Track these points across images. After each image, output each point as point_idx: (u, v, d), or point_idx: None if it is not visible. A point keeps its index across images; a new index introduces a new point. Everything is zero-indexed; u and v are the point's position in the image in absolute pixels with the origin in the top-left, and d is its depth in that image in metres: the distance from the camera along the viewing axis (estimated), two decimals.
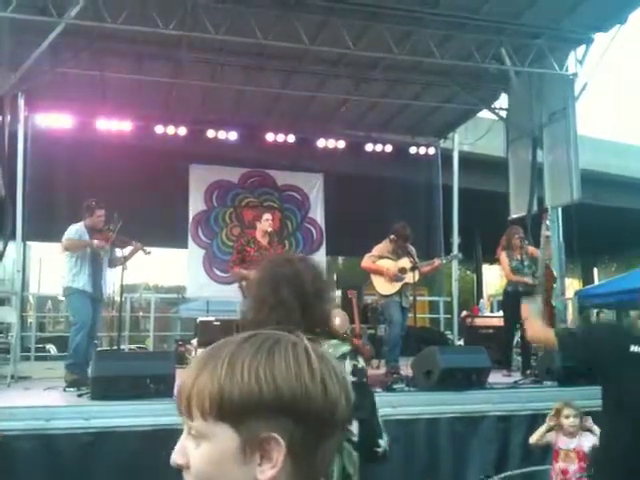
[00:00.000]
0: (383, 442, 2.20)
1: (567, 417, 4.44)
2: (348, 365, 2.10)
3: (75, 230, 6.84)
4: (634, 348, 3.07)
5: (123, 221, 6.81)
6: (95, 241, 6.78)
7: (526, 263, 7.53)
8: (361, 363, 2.19)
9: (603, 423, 3.51)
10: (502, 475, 5.28)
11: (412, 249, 7.57)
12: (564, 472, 4.45)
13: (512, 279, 7.55)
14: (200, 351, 9.06)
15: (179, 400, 0.90)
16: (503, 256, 7.63)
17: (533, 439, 4.66)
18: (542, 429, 4.56)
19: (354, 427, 2.09)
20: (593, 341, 3.26)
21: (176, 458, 0.90)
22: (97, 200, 7.03)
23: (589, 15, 8.01)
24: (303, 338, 0.93)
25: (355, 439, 2.09)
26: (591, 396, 5.86)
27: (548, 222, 7.50)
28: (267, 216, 7.62)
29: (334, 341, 2.19)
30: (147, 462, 4.66)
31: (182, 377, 0.92)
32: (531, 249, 7.70)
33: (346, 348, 2.19)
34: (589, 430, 4.46)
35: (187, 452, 0.89)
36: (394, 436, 4.49)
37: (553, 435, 4.54)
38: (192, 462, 0.88)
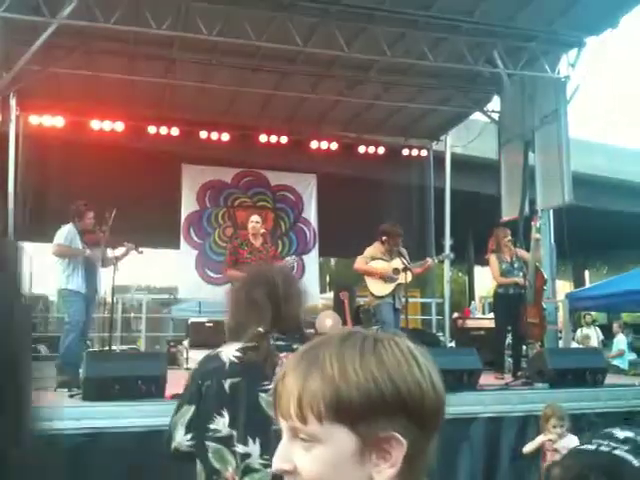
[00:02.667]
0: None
1: (554, 427, 4.53)
2: None
3: (66, 233, 6.79)
4: None
5: (115, 221, 6.79)
6: (87, 250, 6.75)
7: (516, 265, 7.54)
8: None
9: None
10: None
11: (404, 250, 7.59)
12: None
13: (500, 282, 7.57)
14: (192, 352, 9.08)
15: (284, 407, 0.87)
16: (493, 259, 7.64)
17: (527, 449, 4.73)
18: (537, 441, 4.64)
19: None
20: None
21: (280, 465, 0.87)
22: (86, 202, 7.00)
23: (581, 18, 8.05)
24: (401, 335, 0.92)
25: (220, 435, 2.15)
26: (581, 398, 5.92)
27: (539, 224, 7.54)
28: (254, 217, 7.60)
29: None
30: (139, 463, 4.66)
31: (280, 384, 0.89)
32: (521, 252, 7.72)
33: None
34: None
35: (292, 457, 0.86)
36: None
37: (542, 437, 4.62)
38: (303, 467, 0.85)
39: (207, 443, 2.17)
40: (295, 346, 2.18)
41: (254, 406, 2.14)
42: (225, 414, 2.16)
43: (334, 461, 0.84)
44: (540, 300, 7.58)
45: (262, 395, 2.14)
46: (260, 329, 2.21)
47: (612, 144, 19.40)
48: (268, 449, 2.06)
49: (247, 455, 2.13)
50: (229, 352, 2.25)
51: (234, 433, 2.15)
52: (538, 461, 4.79)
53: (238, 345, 2.24)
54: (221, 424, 2.16)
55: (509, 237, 7.70)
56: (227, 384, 2.20)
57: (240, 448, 2.14)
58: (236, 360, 2.22)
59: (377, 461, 0.84)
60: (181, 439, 2.22)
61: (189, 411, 2.22)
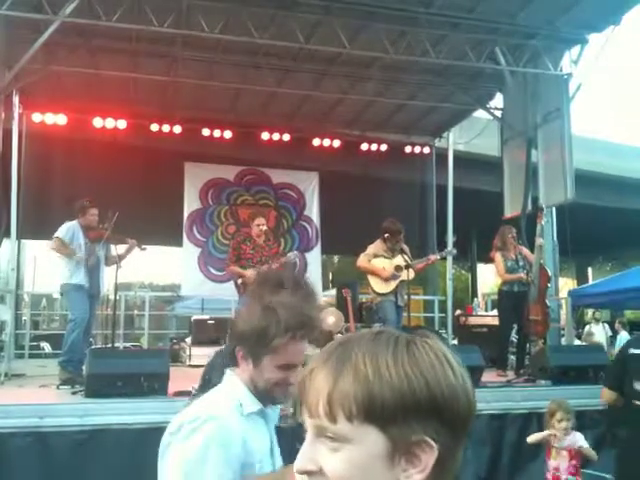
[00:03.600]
0: None
1: (559, 421, 4.51)
2: None
3: (67, 229, 6.82)
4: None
5: (118, 219, 6.81)
6: (79, 255, 6.75)
7: (521, 263, 7.56)
8: None
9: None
10: None
11: (406, 247, 7.59)
12: (556, 469, 4.51)
13: (506, 279, 7.58)
14: (195, 349, 9.09)
15: (311, 404, 0.84)
16: (498, 256, 7.65)
17: (531, 439, 4.73)
18: (543, 434, 4.63)
19: None
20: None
21: (304, 464, 0.84)
22: (90, 199, 7.03)
23: (584, 16, 8.04)
24: (433, 336, 0.89)
25: None
26: (584, 395, 5.92)
27: (543, 222, 7.54)
28: (259, 221, 7.62)
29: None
30: (141, 460, 4.66)
31: (307, 380, 0.86)
32: (524, 250, 7.73)
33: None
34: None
35: (318, 458, 0.83)
36: None
37: (548, 432, 4.61)
38: (329, 467, 0.82)
39: None
40: None
41: None
42: None
43: (362, 463, 0.81)
44: (544, 298, 7.58)
45: None
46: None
47: (614, 141, 19.35)
48: None
49: None
50: None
51: None
52: (542, 458, 4.80)
53: None
54: None
55: (514, 235, 7.71)
56: None
57: None
58: None
59: (406, 465, 0.81)
60: None
61: None
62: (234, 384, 1.75)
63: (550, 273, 7.89)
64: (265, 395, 1.73)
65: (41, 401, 5.28)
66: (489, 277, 30.29)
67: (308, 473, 0.83)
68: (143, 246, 7.28)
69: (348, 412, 0.81)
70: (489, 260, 8.13)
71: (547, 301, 7.68)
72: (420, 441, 0.80)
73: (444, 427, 0.81)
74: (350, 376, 0.81)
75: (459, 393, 0.82)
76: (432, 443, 0.80)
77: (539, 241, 7.36)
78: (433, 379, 0.81)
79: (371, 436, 0.80)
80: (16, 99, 9.10)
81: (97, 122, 10.05)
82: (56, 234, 6.81)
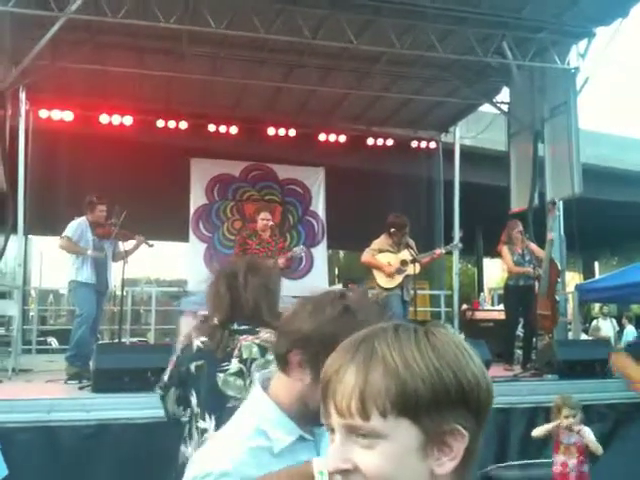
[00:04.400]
0: None
1: (567, 417, 4.51)
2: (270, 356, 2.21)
3: (77, 226, 6.85)
4: None
5: (125, 216, 6.83)
6: (89, 251, 6.78)
7: (527, 258, 7.55)
8: None
9: None
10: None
11: (411, 242, 7.59)
12: (564, 465, 4.51)
13: (514, 271, 7.57)
14: None
15: (341, 403, 0.84)
16: (505, 250, 7.66)
17: (536, 432, 4.72)
18: (548, 426, 4.63)
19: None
20: None
21: (338, 465, 0.84)
22: (99, 195, 7.05)
23: (591, 9, 7.99)
24: (445, 325, 0.93)
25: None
26: (590, 389, 5.92)
27: (555, 215, 7.53)
28: (263, 215, 7.63)
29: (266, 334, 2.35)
30: (147, 454, 4.70)
31: (333, 379, 0.85)
32: (532, 246, 7.72)
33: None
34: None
35: (351, 456, 0.83)
36: None
37: (552, 425, 4.60)
38: (366, 465, 0.82)
39: (183, 420, 2.44)
40: (258, 329, 2.36)
41: (212, 385, 2.32)
42: (193, 393, 2.39)
43: (398, 457, 0.82)
44: (553, 292, 7.58)
45: (219, 375, 2.32)
46: (215, 321, 2.41)
47: (619, 134, 19.25)
48: (220, 426, 2.16)
49: (205, 430, 2.31)
50: (198, 340, 2.45)
51: (198, 411, 2.36)
52: (548, 452, 4.79)
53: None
54: (193, 403, 2.39)
55: (520, 229, 7.70)
56: (193, 367, 2.41)
57: (200, 423, 2.33)
58: (201, 346, 2.42)
59: (438, 454, 0.83)
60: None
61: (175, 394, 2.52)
62: (264, 410, 1.39)
63: (559, 267, 7.89)
64: (313, 416, 1.36)
65: (48, 396, 5.30)
66: (495, 272, 30.23)
67: (343, 472, 0.84)
68: (150, 242, 7.31)
69: (382, 408, 0.81)
70: (495, 255, 8.13)
71: (556, 296, 7.68)
72: (453, 429, 0.82)
73: (471, 414, 0.84)
74: (380, 371, 0.82)
75: (480, 381, 0.85)
76: (463, 431, 0.83)
77: (550, 235, 7.36)
78: (459, 369, 0.83)
79: (405, 430, 0.82)
80: (23, 95, 9.12)
81: (103, 118, 10.07)
82: (64, 233, 6.84)
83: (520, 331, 8.13)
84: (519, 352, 7.84)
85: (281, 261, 7.32)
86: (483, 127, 11.19)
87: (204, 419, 2.32)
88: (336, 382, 0.85)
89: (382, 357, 0.83)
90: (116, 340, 7.92)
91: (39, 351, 10.33)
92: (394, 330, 0.87)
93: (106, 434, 4.73)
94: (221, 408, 2.24)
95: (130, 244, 7.17)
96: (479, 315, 10.11)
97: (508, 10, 7.97)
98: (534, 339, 7.62)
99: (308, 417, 1.36)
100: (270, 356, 2.23)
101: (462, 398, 0.83)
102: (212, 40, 8.38)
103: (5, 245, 8.01)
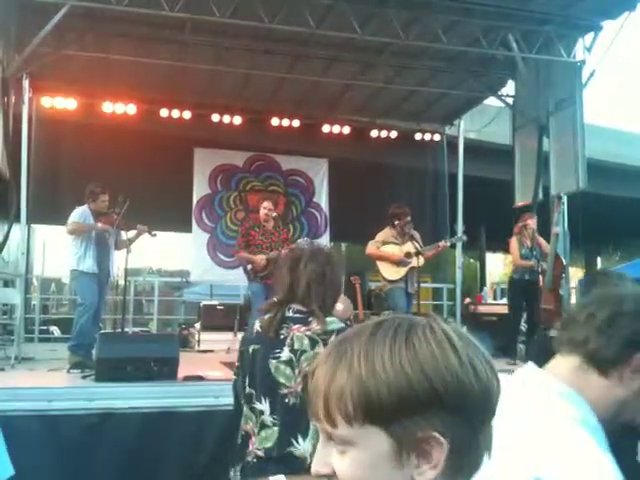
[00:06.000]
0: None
1: None
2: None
3: (81, 212, 6.87)
4: None
5: (128, 205, 6.82)
6: (99, 224, 6.80)
7: (534, 252, 7.53)
8: None
9: None
10: None
11: (416, 234, 7.57)
12: None
13: (519, 264, 7.57)
14: (204, 335, 9.12)
15: (313, 406, 0.82)
16: (513, 241, 7.67)
17: None
18: None
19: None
20: None
21: (318, 468, 0.82)
22: (101, 185, 7.04)
23: (598, 2, 7.93)
24: (436, 317, 0.85)
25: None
26: None
27: (560, 210, 7.51)
28: (266, 204, 7.63)
29: (328, 319, 2.46)
30: (150, 444, 4.70)
31: (310, 382, 0.83)
32: (541, 241, 7.71)
33: (337, 325, 2.44)
34: None
35: (330, 460, 0.81)
36: None
37: None
38: (339, 471, 0.80)
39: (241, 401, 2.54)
40: (310, 319, 2.45)
41: (266, 370, 2.42)
42: (248, 374, 2.50)
43: (370, 464, 0.78)
44: (558, 287, 7.57)
45: (272, 361, 2.42)
46: (274, 299, 2.53)
47: (624, 129, 19.19)
48: (275, 409, 2.40)
49: (262, 412, 2.43)
50: (258, 324, 2.55)
51: (253, 392, 2.47)
52: None
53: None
54: (246, 384, 2.50)
55: (527, 223, 7.67)
56: (250, 349, 2.51)
57: (257, 405, 2.45)
58: (259, 329, 2.51)
59: (418, 462, 0.78)
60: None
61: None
62: (585, 414, 1.20)
63: (565, 262, 7.88)
64: (615, 427, 1.24)
65: (51, 384, 5.31)
66: (498, 266, 30.21)
67: (323, 476, 0.82)
68: (153, 232, 7.30)
69: (345, 414, 0.78)
70: (498, 249, 8.12)
71: (560, 290, 7.67)
72: (428, 437, 0.77)
73: (454, 417, 0.78)
74: (345, 375, 0.78)
75: (465, 380, 0.78)
76: (440, 438, 0.77)
77: (555, 229, 7.34)
78: (433, 370, 0.77)
79: (374, 437, 0.78)
80: (26, 83, 9.09)
81: (106, 107, 10.03)
82: (70, 219, 6.85)
83: (523, 325, 8.12)
84: (522, 346, 7.83)
85: (285, 252, 7.31)
86: (487, 120, 11.13)
87: (260, 401, 2.45)
88: (311, 384, 0.83)
89: (350, 360, 0.79)
90: (118, 330, 7.93)
91: (41, 340, 10.34)
92: (373, 328, 0.82)
93: (108, 423, 4.72)
94: (274, 393, 2.42)
95: (132, 233, 7.17)
96: (482, 309, 10.10)
97: (514, 2, 7.91)
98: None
99: (612, 427, 1.22)
100: (319, 349, 2.36)
101: (438, 402, 0.77)
102: (216, 29, 8.34)
103: (8, 233, 8.01)
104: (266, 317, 2.50)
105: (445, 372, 0.77)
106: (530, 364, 1.35)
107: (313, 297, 2.48)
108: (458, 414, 0.78)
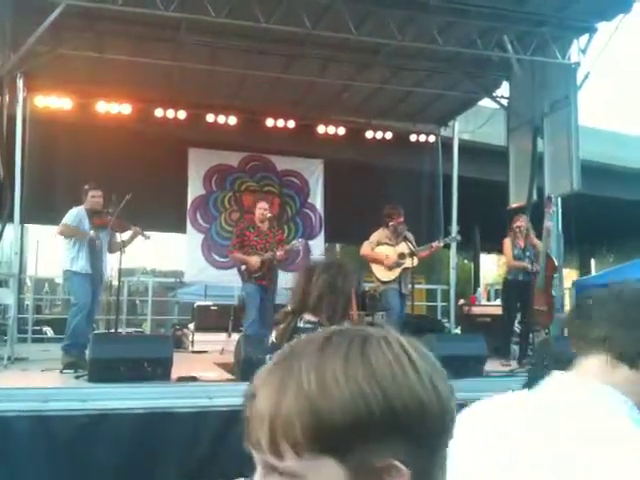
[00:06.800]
0: None
1: None
2: None
3: (75, 214, 6.83)
4: None
5: (123, 205, 6.80)
6: (91, 232, 6.76)
7: (527, 253, 7.54)
8: None
9: None
10: None
11: (410, 235, 7.58)
12: None
13: (512, 265, 7.58)
14: (198, 335, 9.11)
15: (253, 433, 0.70)
16: (507, 242, 7.68)
17: None
18: None
19: None
20: None
21: None
22: (91, 182, 7.03)
23: (593, 4, 7.96)
24: (390, 329, 0.76)
25: None
26: None
27: (551, 211, 7.52)
28: (261, 205, 7.63)
29: None
30: (143, 444, 4.68)
31: (247, 405, 0.72)
32: (535, 241, 7.73)
33: None
34: None
35: None
36: None
37: None
38: None
39: None
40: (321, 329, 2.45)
41: None
42: None
43: None
44: (549, 288, 7.58)
45: None
46: (288, 307, 2.60)
47: (619, 131, 19.26)
48: None
49: None
50: (273, 335, 2.65)
51: None
52: None
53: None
54: None
55: (519, 224, 7.68)
56: (267, 358, 2.51)
57: None
58: (275, 340, 2.59)
59: None
60: None
61: None
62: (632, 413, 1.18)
63: (556, 263, 7.89)
64: None
65: (44, 385, 5.28)
66: (492, 268, 30.26)
67: None
68: (147, 235, 7.28)
69: (294, 443, 0.67)
70: (492, 250, 8.14)
71: (552, 291, 7.68)
72: (388, 467, 0.68)
73: (414, 444, 0.69)
74: (292, 397, 0.68)
75: (426, 401, 0.70)
76: (401, 467, 0.68)
77: (547, 224, 7.34)
78: (392, 389, 0.68)
79: (327, 469, 0.67)
80: (21, 82, 9.06)
81: (101, 106, 10.01)
82: (63, 220, 6.82)
83: (517, 326, 8.13)
84: (515, 347, 7.84)
85: (279, 253, 7.31)
86: (482, 121, 11.16)
87: None
88: (249, 408, 0.71)
89: (297, 378, 0.68)
90: (112, 330, 7.91)
91: (34, 340, 10.31)
92: (323, 342, 0.72)
93: (102, 424, 4.70)
94: None
95: (127, 235, 7.14)
96: (476, 310, 10.11)
97: (510, 3, 7.93)
98: (531, 334, 7.62)
99: None
100: None
101: (398, 426, 0.68)
102: (212, 29, 8.31)
103: (1, 233, 7.97)
104: (280, 327, 2.55)
105: (405, 392, 0.69)
106: (557, 374, 1.29)
107: (324, 307, 2.54)
108: (418, 438, 0.69)
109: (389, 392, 0.68)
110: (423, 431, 0.69)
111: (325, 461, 0.67)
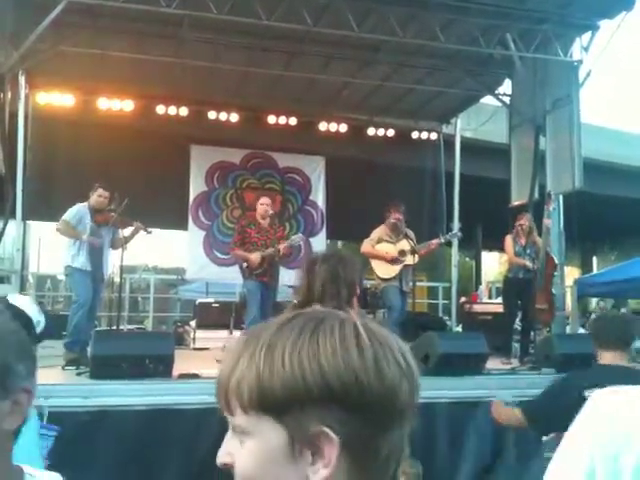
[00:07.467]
0: None
1: None
2: None
3: (76, 211, 6.82)
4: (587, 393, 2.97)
5: (126, 203, 6.80)
6: (84, 236, 6.74)
7: (528, 251, 7.54)
8: None
9: None
10: None
11: (410, 232, 7.57)
12: None
13: (514, 261, 7.58)
14: (199, 332, 9.12)
15: (218, 394, 0.82)
16: (508, 239, 7.67)
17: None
18: None
19: None
20: (559, 407, 2.89)
21: (222, 457, 0.82)
22: (103, 182, 7.03)
23: (595, 1, 7.94)
24: (352, 314, 0.83)
25: None
26: None
27: (552, 208, 7.51)
28: (263, 200, 7.61)
29: None
30: (145, 441, 4.69)
31: (220, 367, 0.84)
32: (537, 239, 7.72)
33: None
34: None
35: (233, 450, 0.81)
36: None
37: None
38: (237, 463, 0.79)
39: None
40: None
41: None
42: None
43: (264, 457, 0.77)
44: (549, 286, 7.56)
45: None
46: (295, 301, 2.72)
47: (621, 129, 19.23)
48: None
49: None
50: None
51: None
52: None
53: None
54: None
55: (521, 223, 7.67)
56: None
57: None
58: None
59: (312, 459, 0.76)
60: None
61: None
62: None
63: (556, 261, 7.88)
64: None
65: (46, 381, 5.29)
66: (493, 265, 30.24)
67: (226, 466, 0.81)
68: (149, 229, 7.28)
69: (242, 403, 0.78)
70: (494, 248, 8.14)
71: (552, 289, 7.67)
72: (319, 433, 0.75)
73: (350, 415, 0.76)
74: (245, 365, 0.78)
75: (364, 379, 0.76)
76: (331, 434, 0.75)
77: (547, 222, 7.33)
78: (330, 367, 0.76)
79: (269, 428, 0.77)
80: (22, 79, 9.06)
81: (103, 103, 10.01)
82: (64, 216, 6.82)
83: (518, 324, 8.12)
84: (517, 345, 7.84)
85: (282, 246, 7.30)
86: (484, 119, 11.15)
87: None
88: (218, 374, 0.83)
89: (251, 351, 0.79)
90: (114, 327, 7.91)
91: None
92: (284, 321, 0.82)
93: (103, 421, 4.71)
94: None
95: (128, 231, 7.14)
96: (477, 308, 10.11)
97: (512, 1, 7.92)
98: (532, 333, 7.61)
99: None
100: None
101: (333, 398, 0.75)
102: (213, 26, 8.31)
103: (3, 230, 7.99)
104: None
105: (342, 369, 0.76)
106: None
107: (328, 297, 2.58)
108: (355, 412, 0.76)
109: (327, 368, 0.75)
110: (361, 407, 0.76)
111: (266, 419, 0.77)
